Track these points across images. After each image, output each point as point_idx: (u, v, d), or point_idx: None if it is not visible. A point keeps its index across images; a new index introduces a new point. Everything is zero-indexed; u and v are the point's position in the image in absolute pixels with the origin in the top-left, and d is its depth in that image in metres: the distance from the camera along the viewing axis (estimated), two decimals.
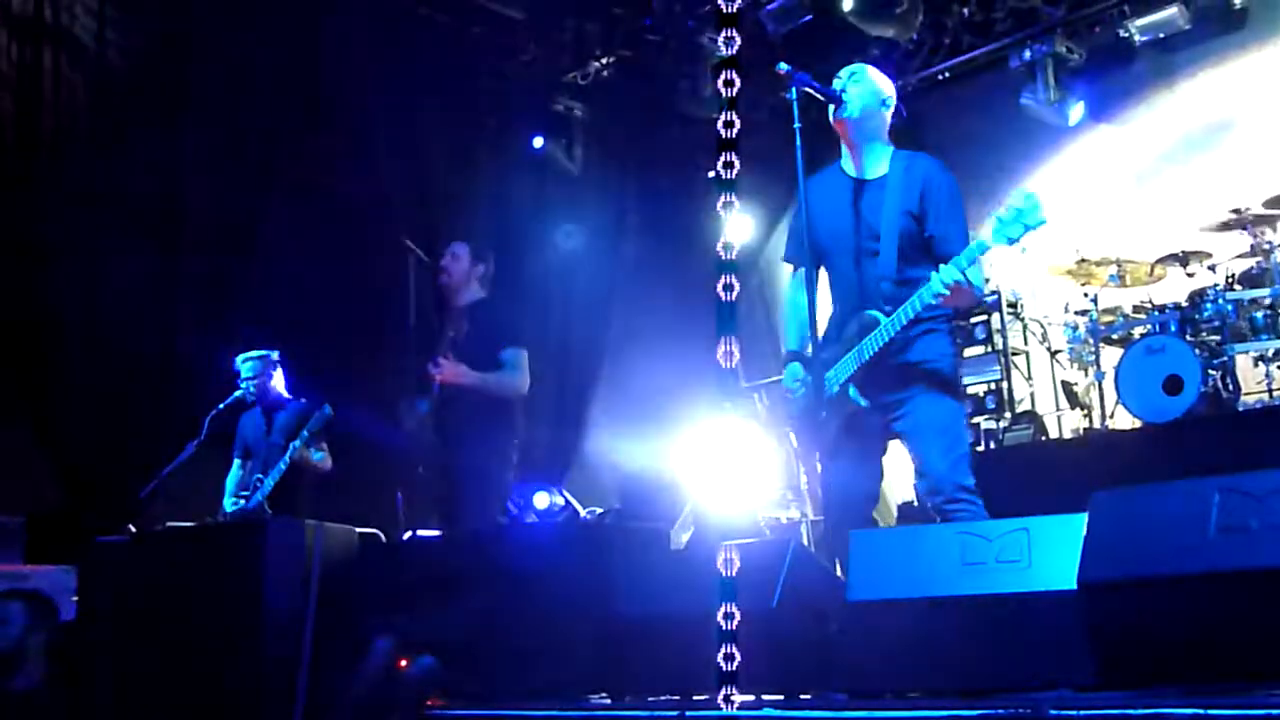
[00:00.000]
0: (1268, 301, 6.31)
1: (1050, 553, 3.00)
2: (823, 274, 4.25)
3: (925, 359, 3.99)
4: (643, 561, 4.18)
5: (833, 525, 4.02)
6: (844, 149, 4.18)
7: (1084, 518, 2.94)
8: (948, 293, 3.75)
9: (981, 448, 7.42)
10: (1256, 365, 6.39)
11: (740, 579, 3.49)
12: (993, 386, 7.78)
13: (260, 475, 6.12)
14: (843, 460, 4.04)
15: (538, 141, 9.07)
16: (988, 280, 7.50)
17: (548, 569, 4.38)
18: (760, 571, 3.49)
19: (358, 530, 5.67)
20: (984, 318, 7.90)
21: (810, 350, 4.03)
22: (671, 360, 9.34)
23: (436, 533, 5.60)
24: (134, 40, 6.97)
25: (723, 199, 10.74)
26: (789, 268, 4.36)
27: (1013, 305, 7.94)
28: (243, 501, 6.09)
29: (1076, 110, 8.37)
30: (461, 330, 5.65)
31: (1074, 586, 2.87)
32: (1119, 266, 7.08)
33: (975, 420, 7.72)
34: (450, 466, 5.57)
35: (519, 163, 9.09)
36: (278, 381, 6.49)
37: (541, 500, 7.61)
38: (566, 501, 7.84)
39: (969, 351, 7.95)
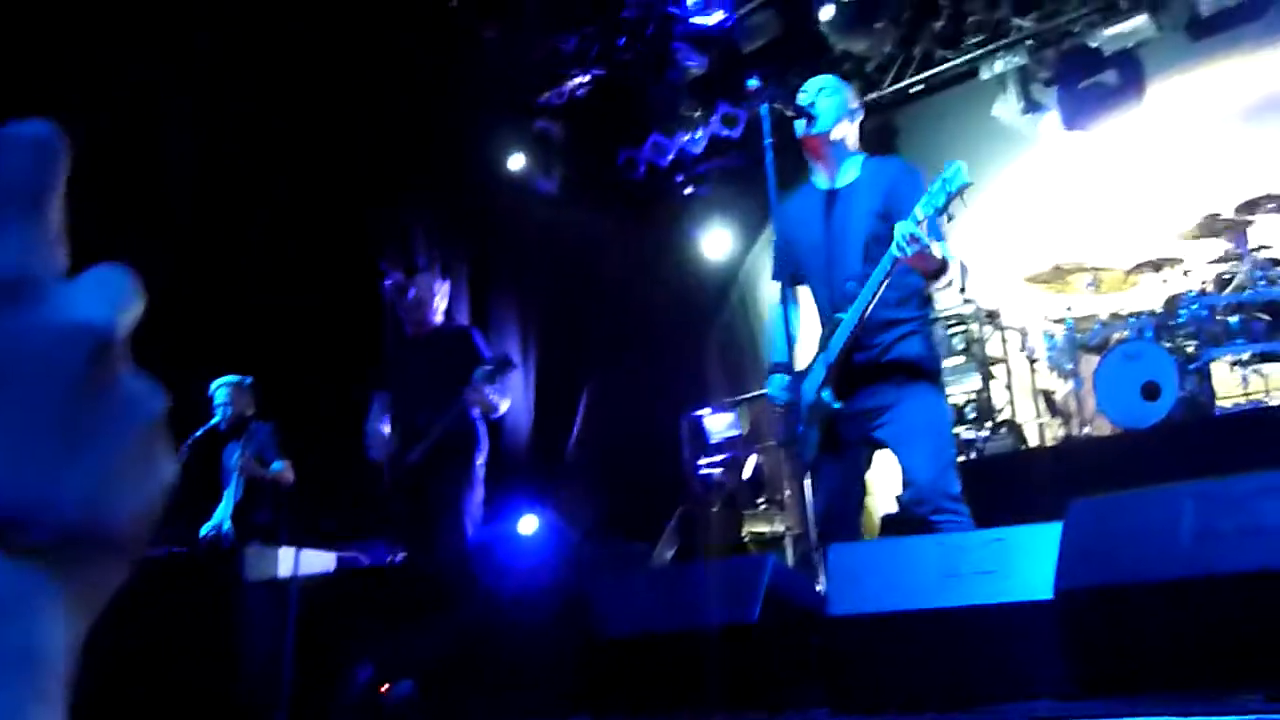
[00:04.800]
0: (1240, 306, 6.30)
1: (1028, 562, 3.00)
2: (807, 292, 4.27)
3: (905, 363, 3.96)
4: (625, 579, 4.16)
5: (820, 536, 3.96)
6: (812, 164, 4.19)
7: (1060, 527, 2.93)
8: (910, 251, 3.66)
9: (963, 458, 7.42)
10: (1233, 370, 6.37)
11: (721, 594, 3.52)
12: (973, 396, 7.79)
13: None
14: (828, 468, 4.03)
15: (515, 161, 9.07)
16: (963, 290, 7.53)
17: (528, 589, 4.36)
18: (741, 586, 3.48)
19: (336, 554, 5.66)
20: (962, 327, 7.91)
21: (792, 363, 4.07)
22: (653, 376, 9.35)
23: (412, 555, 5.57)
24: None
25: (700, 215, 10.82)
26: (776, 286, 4.34)
27: (990, 314, 7.95)
28: (213, 533, 6.09)
29: (1048, 120, 8.41)
30: (431, 357, 5.65)
31: (1051, 595, 2.86)
32: (1094, 274, 7.09)
33: (956, 430, 7.71)
34: (428, 489, 5.55)
35: (496, 183, 9.08)
36: (251, 407, 6.48)
37: (529, 524, 7.57)
38: (551, 521, 7.81)
39: (948, 362, 7.95)
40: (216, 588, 5.14)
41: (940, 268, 3.84)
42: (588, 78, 8.65)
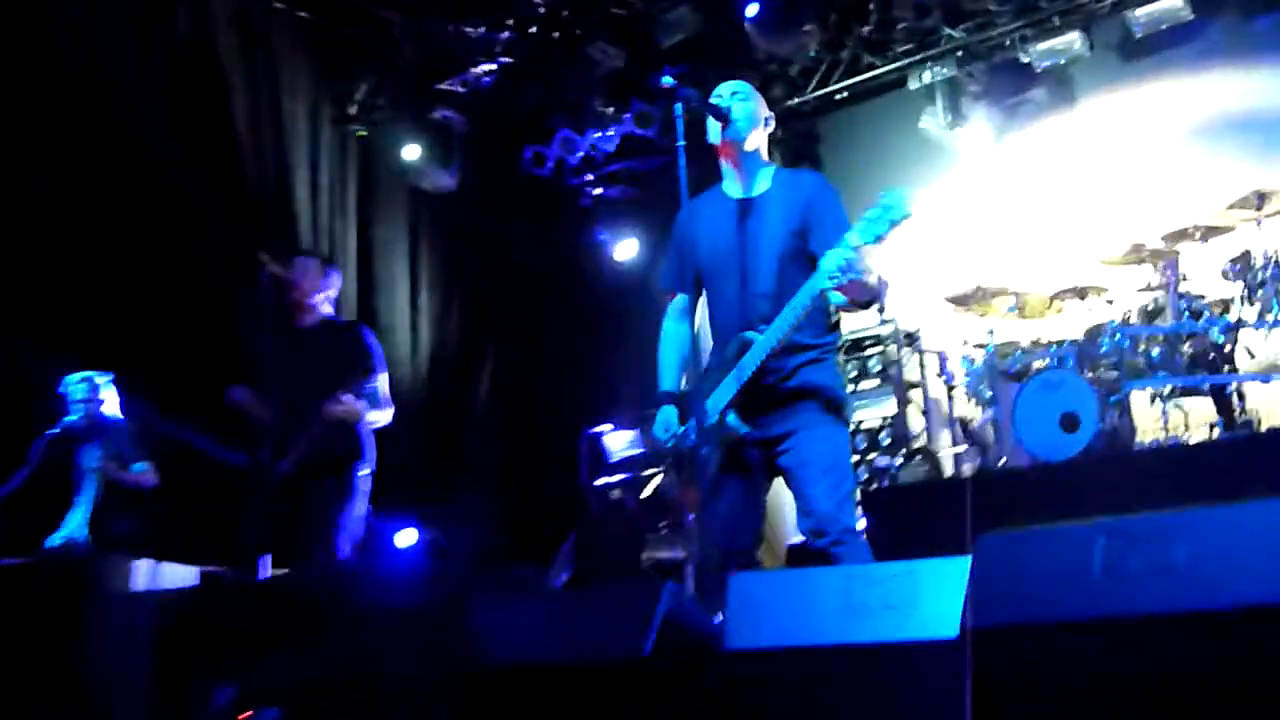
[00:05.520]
0: (1162, 338, 6.25)
1: (937, 597, 2.88)
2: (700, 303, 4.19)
3: (809, 390, 3.86)
4: (511, 604, 3.92)
5: (715, 568, 3.85)
6: (725, 170, 4.09)
7: (969, 561, 2.84)
8: (844, 280, 3.56)
9: (875, 485, 7.26)
10: (1154, 403, 6.32)
11: (612, 624, 3.32)
12: (888, 421, 7.64)
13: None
14: (727, 496, 3.90)
15: (411, 151, 8.78)
16: (882, 309, 7.39)
17: (408, 611, 4.23)
18: (633, 616, 3.28)
19: (199, 569, 5.35)
20: (880, 349, 7.79)
21: (689, 381, 3.98)
22: (552, 388, 9.10)
23: (286, 570, 5.28)
24: None
25: (609, 218, 10.52)
26: (667, 296, 4.25)
27: (910, 336, 7.83)
28: (64, 542, 5.81)
29: (977, 135, 8.37)
30: (314, 353, 5.37)
31: (956, 633, 2.76)
32: (1017, 297, 7.04)
33: (870, 456, 7.58)
34: (303, 500, 5.32)
35: (391, 174, 8.86)
36: (110, 405, 6.22)
37: (406, 537, 7.29)
38: (434, 539, 7.53)
39: (864, 385, 7.82)
40: (65, 602, 4.88)
41: (873, 297, 3.82)
42: (494, 66, 8.42)
